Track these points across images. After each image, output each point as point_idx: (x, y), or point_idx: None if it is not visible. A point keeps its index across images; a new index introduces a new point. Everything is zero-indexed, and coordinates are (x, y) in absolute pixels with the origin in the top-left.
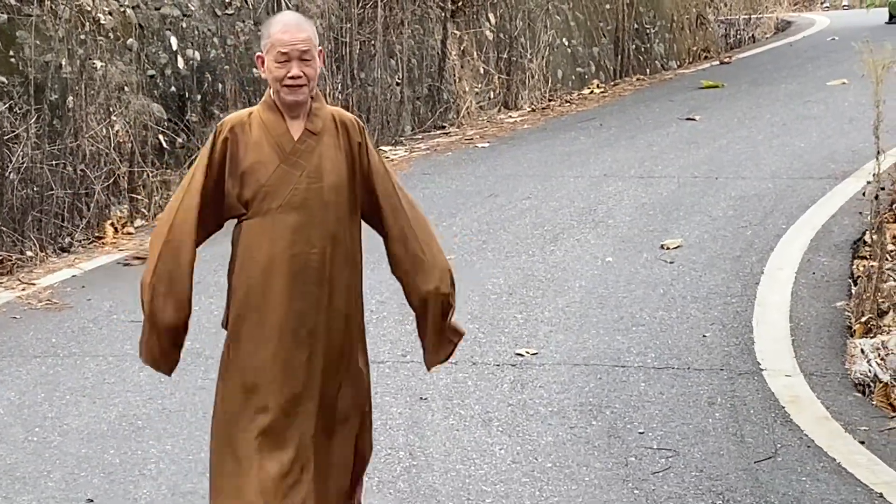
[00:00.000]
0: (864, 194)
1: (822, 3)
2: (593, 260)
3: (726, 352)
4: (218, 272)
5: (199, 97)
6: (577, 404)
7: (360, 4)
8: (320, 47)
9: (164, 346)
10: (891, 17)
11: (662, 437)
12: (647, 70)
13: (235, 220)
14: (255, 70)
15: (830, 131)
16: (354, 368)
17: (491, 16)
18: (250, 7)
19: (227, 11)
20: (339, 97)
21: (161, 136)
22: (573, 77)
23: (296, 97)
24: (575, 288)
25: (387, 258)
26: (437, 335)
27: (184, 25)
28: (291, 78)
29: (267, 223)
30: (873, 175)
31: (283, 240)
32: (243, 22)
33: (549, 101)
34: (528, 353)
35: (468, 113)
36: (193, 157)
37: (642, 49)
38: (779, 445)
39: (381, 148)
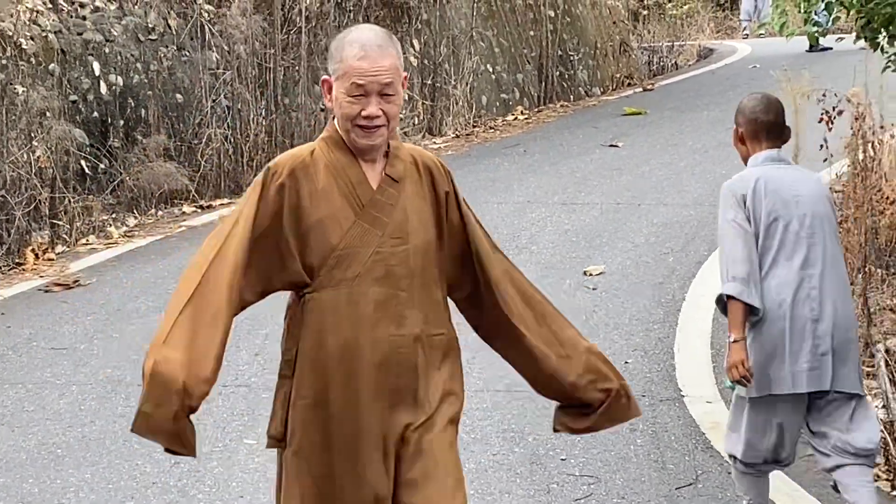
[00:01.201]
0: None
1: (742, 31)
2: None
3: (648, 378)
4: (142, 295)
5: (121, 122)
6: (500, 431)
7: (284, 30)
8: (405, 73)
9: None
10: (811, 45)
11: (584, 464)
12: (571, 96)
13: (291, 293)
14: (178, 96)
15: None
16: None
17: (415, 42)
18: (174, 32)
19: (150, 37)
20: (263, 123)
21: (83, 162)
22: (497, 103)
23: (371, 141)
24: None
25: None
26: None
27: (106, 51)
28: (367, 118)
29: (341, 298)
30: None
31: (365, 320)
32: (166, 47)
33: (474, 127)
34: None
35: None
36: (116, 181)
37: (566, 76)
38: (699, 472)
39: None
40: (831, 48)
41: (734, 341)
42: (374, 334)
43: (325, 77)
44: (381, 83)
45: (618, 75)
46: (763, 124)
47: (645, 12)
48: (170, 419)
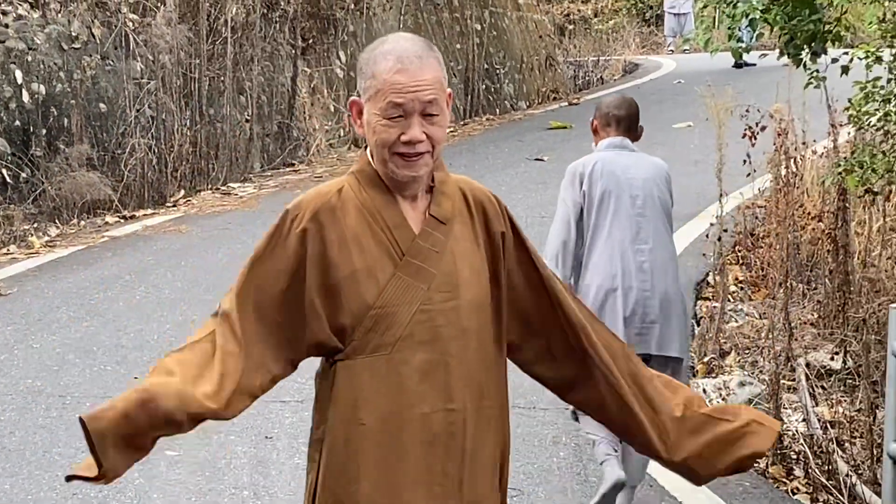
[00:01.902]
0: (707, 236)
1: (667, 47)
2: None
3: None
4: (63, 306)
5: (44, 131)
6: None
7: (210, 40)
8: (449, 89)
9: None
10: (736, 62)
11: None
12: (497, 110)
13: (322, 359)
14: (102, 105)
15: (675, 173)
16: None
17: (342, 53)
18: (97, 42)
19: (73, 45)
20: (188, 134)
21: (4, 171)
22: None
23: (413, 171)
24: None
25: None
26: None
27: (29, 59)
28: (408, 144)
29: (379, 365)
30: (716, 217)
31: (408, 393)
32: (90, 56)
33: None
34: None
35: (318, 150)
36: (38, 191)
37: (492, 89)
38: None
39: (230, 185)
40: (755, 64)
41: None
42: (418, 409)
43: (353, 98)
44: (422, 100)
45: (544, 89)
46: (613, 117)
47: (571, 27)
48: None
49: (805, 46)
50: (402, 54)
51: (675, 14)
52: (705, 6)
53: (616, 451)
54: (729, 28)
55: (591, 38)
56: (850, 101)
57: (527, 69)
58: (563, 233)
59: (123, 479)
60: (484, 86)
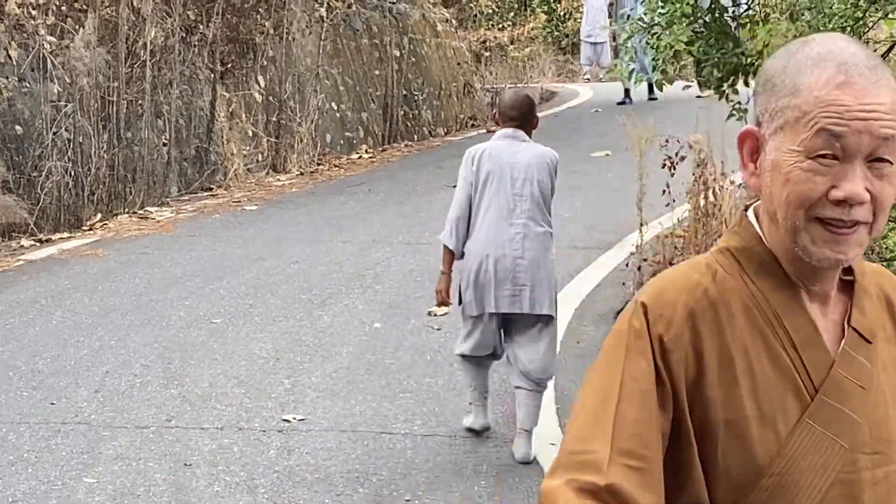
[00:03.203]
0: (627, 265)
1: (584, 75)
2: (361, 326)
3: (493, 419)
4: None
5: None
6: (344, 471)
7: (129, 63)
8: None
9: None
10: (623, 99)
11: None
12: (416, 136)
13: None
14: (18, 127)
15: (595, 202)
16: None
17: (260, 78)
18: (14, 63)
19: None
20: (105, 157)
21: None
22: (342, 141)
23: (840, 252)
24: (343, 353)
25: None
26: None
27: None
28: (840, 204)
29: None
30: (636, 247)
31: None
32: (6, 78)
33: (318, 164)
34: (294, 419)
35: (236, 175)
36: None
37: (410, 115)
38: None
39: (147, 209)
40: (656, 98)
41: (442, 273)
42: None
43: (747, 129)
44: (875, 135)
45: (461, 116)
46: (506, 115)
47: (487, 54)
48: None
49: (727, 79)
50: (848, 61)
51: (591, 43)
52: (629, 37)
53: (484, 397)
54: (653, 59)
55: (507, 65)
56: None
57: (445, 96)
58: (457, 209)
59: None
60: (402, 112)
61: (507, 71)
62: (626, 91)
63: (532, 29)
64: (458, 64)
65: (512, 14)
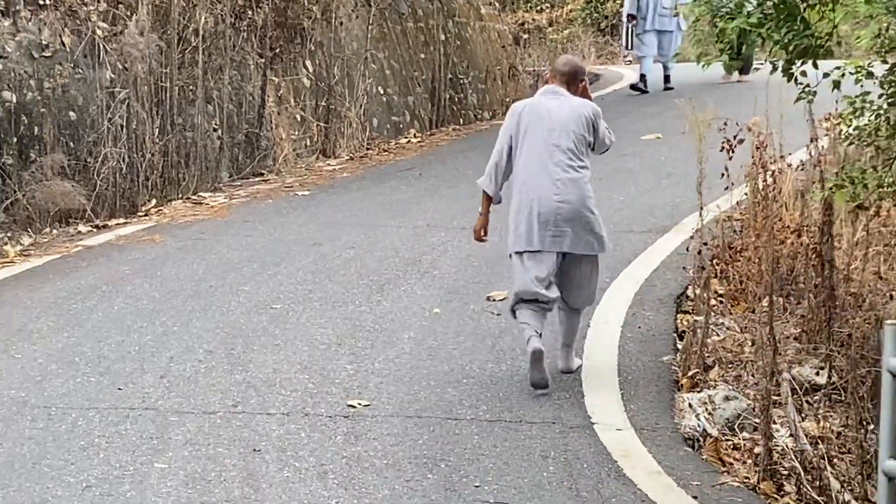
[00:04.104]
0: (687, 249)
1: (624, 58)
2: (421, 311)
3: (557, 405)
4: (43, 315)
5: (15, 140)
6: (412, 457)
7: (181, 49)
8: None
9: None
10: (636, 84)
11: (498, 491)
12: (461, 120)
13: None
14: (72, 114)
15: (648, 185)
16: None
17: (309, 63)
18: (68, 50)
19: (44, 54)
20: (159, 143)
21: None
22: (388, 126)
23: None
24: (404, 339)
25: None
26: None
27: (0, 67)
28: None
29: None
30: (696, 230)
31: None
32: (61, 65)
33: (367, 149)
34: (360, 404)
35: (285, 160)
36: (10, 200)
37: (456, 99)
38: (613, 500)
39: (200, 194)
40: (672, 87)
41: (480, 214)
42: None
43: None
44: None
45: (507, 99)
46: (557, 71)
47: (526, 36)
48: None
49: (796, 61)
50: None
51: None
52: (697, 20)
53: (537, 332)
54: (721, 42)
55: (546, 47)
56: (841, 116)
57: (490, 79)
58: (495, 156)
59: (114, 491)
60: (448, 96)
61: (546, 53)
62: (643, 77)
63: (571, 11)
64: (503, 47)
65: None
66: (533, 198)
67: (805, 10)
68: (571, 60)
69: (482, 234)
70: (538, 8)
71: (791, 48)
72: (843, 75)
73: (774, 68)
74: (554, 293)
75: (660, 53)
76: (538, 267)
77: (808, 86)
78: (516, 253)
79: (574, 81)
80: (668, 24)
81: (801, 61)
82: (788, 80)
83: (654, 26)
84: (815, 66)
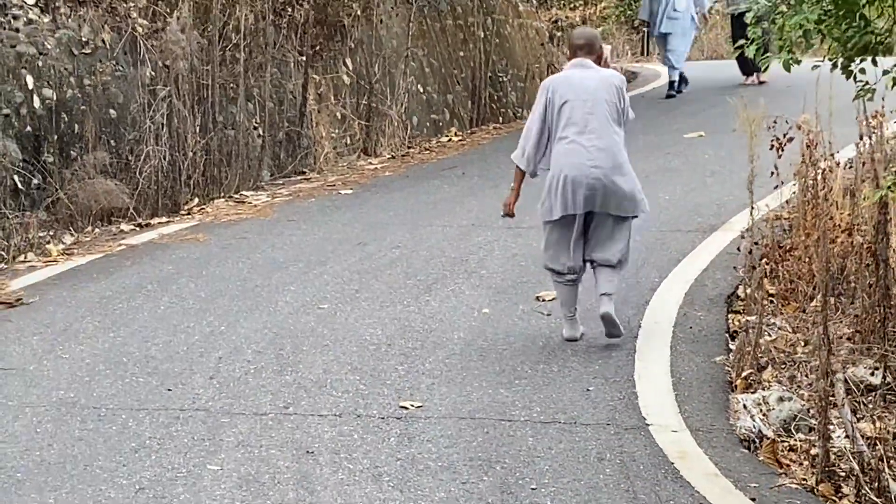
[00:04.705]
0: (738, 249)
1: (658, 54)
2: (469, 311)
3: (611, 406)
4: (88, 315)
5: (55, 137)
6: (467, 459)
7: (221, 46)
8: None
9: None
10: (670, 90)
11: (555, 494)
12: (501, 119)
13: None
14: (112, 111)
15: (693, 184)
16: None
17: (349, 61)
18: (108, 47)
19: (84, 51)
20: (200, 141)
21: (16, 177)
22: (428, 124)
23: None
24: (454, 339)
25: None
26: None
27: (40, 64)
28: None
29: None
30: (747, 229)
31: None
32: (101, 62)
33: (409, 148)
34: (412, 405)
35: (326, 159)
36: (52, 198)
37: (496, 97)
38: (671, 502)
39: (242, 193)
40: (674, 95)
41: (511, 189)
42: None
43: None
44: None
45: None
46: (574, 44)
47: (559, 34)
48: None
49: (855, 58)
50: None
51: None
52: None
53: (570, 314)
54: (780, 40)
55: None
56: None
57: (529, 77)
58: (528, 131)
59: (167, 493)
60: (488, 94)
61: None
62: (672, 83)
63: (604, 8)
64: (542, 45)
65: None
66: (566, 165)
67: (864, 5)
68: (584, 31)
69: (511, 208)
70: (571, 5)
71: (850, 45)
72: None
73: (834, 66)
74: (577, 262)
75: (667, 56)
76: (562, 240)
77: (866, 83)
78: (545, 222)
79: (593, 50)
80: (676, 27)
81: (860, 59)
82: (847, 78)
83: (666, 29)
84: (875, 63)
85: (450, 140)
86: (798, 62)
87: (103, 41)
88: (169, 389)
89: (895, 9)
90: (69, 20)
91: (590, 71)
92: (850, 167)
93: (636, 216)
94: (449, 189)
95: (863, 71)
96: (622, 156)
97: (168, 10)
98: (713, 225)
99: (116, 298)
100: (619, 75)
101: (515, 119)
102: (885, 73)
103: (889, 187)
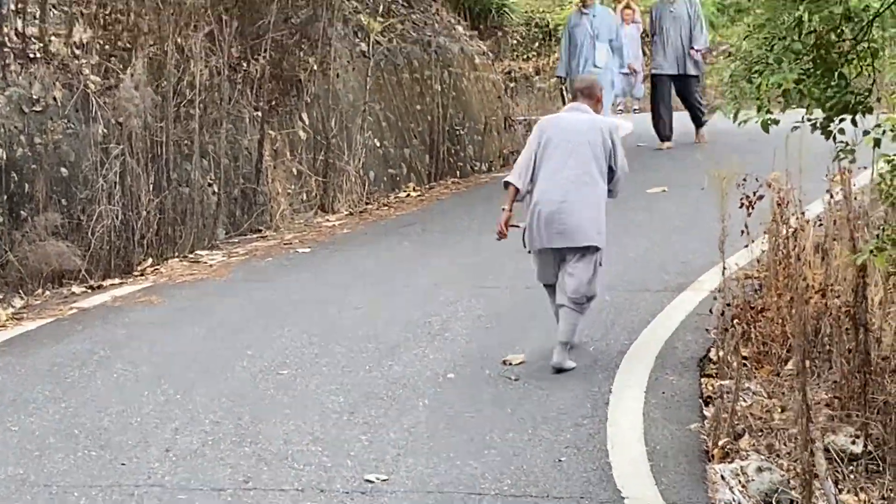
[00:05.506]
0: (710, 311)
1: (616, 107)
2: (434, 376)
3: (584, 478)
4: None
5: (5, 198)
6: None
7: (176, 102)
8: None
9: None
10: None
11: None
12: (458, 173)
13: None
14: (63, 170)
15: (658, 240)
16: None
17: (305, 116)
18: (59, 105)
19: (34, 109)
20: (154, 199)
21: None
22: (385, 179)
23: None
24: (419, 407)
25: None
26: None
27: None
28: None
29: None
30: (718, 291)
31: None
32: (52, 120)
33: (367, 204)
34: (377, 479)
35: (282, 216)
36: (1, 261)
37: (453, 151)
38: None
39: (197, 252)
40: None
41: (503, 209)
42: None
43: None
44: None
45: (504, 150)
46: (576, 89)
47: (513, 84)
48: None
49: (834, 118)
50: None
51: (624, 74)
52: (733, 77)
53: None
54: (758, 99)
55: (534, 95)
56: (881, 175)
57: (486, 130)
58: (522, 158)
59: None
60: (446, 147)
61: (534, 101)
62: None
63: (558, 59)
64: (499, 97)
65: (536, 45)
66: (543, 200)
67: (843, 65)
68: (587, 77)
69: (504, 228)
70: (525, 56)
71: (829, 105)
72: (883, 132)
73: (814, 126)
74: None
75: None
76: (546, 265)
77: (846, 143)
78: (532, 251)
79: (592, 94)
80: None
81: (839, 119)
82: (827, 138)
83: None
84: (855, 123)
85: (408, 195)
86: (777, 122)
87: (54, 98)
88: (123, 464)
89: (874, 68)
90: (20, 77)
91: (582, 116)
92: (820, 224)
93: (598, 248)
94: (409, 246)
95: (842, 131)
96: (597, 192)
97: (121, 66)
98: (681, 284)
99: (68, 365)
100: (613, 121)
101: (473, 173)
102: (866, 133)
103: (871, 251)
